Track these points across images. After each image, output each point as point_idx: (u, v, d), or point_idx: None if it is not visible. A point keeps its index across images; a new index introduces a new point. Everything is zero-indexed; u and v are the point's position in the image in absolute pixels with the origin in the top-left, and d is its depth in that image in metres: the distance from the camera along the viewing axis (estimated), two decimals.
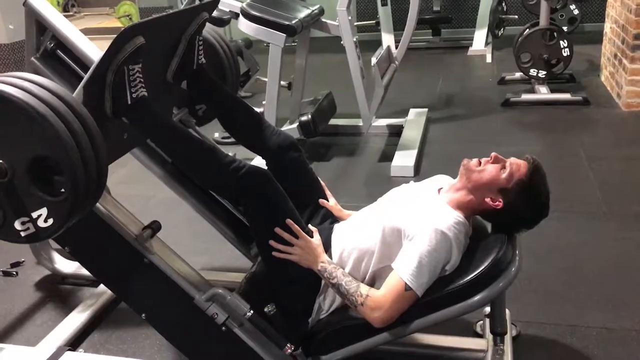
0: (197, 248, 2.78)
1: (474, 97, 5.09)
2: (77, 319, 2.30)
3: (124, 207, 1.83)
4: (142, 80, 1.71)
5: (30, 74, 1.45)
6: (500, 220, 1.78)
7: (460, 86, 5.47)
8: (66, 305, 2.47)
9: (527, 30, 4.99)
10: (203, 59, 2.04)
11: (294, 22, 3.53)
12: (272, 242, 1.73)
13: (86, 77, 1.64)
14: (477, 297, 1.66)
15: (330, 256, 1.80)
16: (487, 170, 1.74)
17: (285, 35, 3.49)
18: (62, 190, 1.40)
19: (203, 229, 2.36)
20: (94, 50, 2.09)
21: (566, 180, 3.38)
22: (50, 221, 1.43)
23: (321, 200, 2.03)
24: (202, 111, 2.31)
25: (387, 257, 1.73)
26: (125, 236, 1.73)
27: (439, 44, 6.98)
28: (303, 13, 3.77)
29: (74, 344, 2.21)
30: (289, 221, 1.73)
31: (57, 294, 2.59)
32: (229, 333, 1.76)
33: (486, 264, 1.67)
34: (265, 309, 1.77)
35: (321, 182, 2.10)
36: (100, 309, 2.36)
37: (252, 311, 1.73)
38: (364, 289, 1.67)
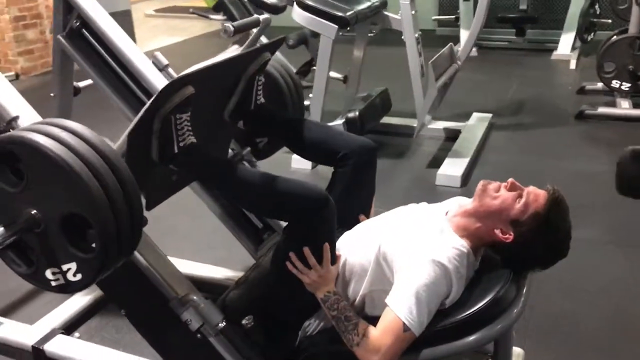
0: (214, 241, 2.71)
1: (546, 106, 4.74)
2: (78, 302, 2.28)
3: None
4: (189, 128, 1.63)
5: (71, 121, 1.39)
6: (510, 256, 1.57)
7: (534, 92, 5.11)
8: None
9: (615, 37, 4.56)
10: (262, 99, 1.93)
11: (348, 13, 3.37)
12: (292, 255, 1.58)
13: (131, 126, 1.56)
14: (471, 338, 1.48)
15: None
16: (501, 197, 1.54)
17: (336, 27, 3.34)
18: (94, 245, 1.34)
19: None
20: (117, 31, 2.05)
21: (630, 209, 3.04)
22: (79, 276, 1.38)
23: (361, 217, 1.87)
24: (262, 144, 2.21)
25: (378, 280, 1.57)
26: None
27: (522, 45, 6.58)
28: (362, 5, 3.61)
29: (71, 327, 2.20)
30: (326, 246, 1.58)
31: None
32: (203, 341, 1.66)
33: (484, 301, 1.49)
34: (244, 321, 1.67)
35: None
36: (103, 295, 2.33)
37: (224, 322, 1.63)
38: (361, 327, 1.50)
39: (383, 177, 3.54)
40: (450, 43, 3.81)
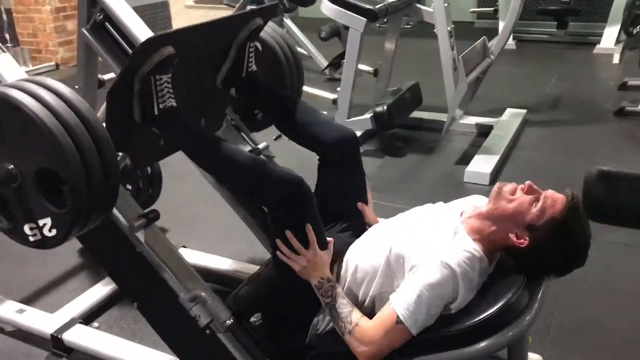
0: (235, 234, 2.70)
1: (585, 102, 4.59)
2: (99, 291, 2.32)
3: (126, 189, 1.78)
4: (170, 90, 1.64)
5: (54, 80, 1.42)
6: (524, 262, 1.51)
7: (573, 87, 4.95)
8: (99, 274, 2.50)
9: None
10: (254, 67, 1.93)
11: (377, 6, 3.32)
12: (278, 242, 1.58)
13: (111, 87, 1.58)
14: (481, 344, 1.43)
15: (339, 270, 1.64)
16: (517, 200, 1.48)
17: (365, 20, 3.29)
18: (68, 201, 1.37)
19: None
20: (139, 25, 2.06)
21: None
22: (54, 232, 1.42)
23: (360, 204, 1.86)
24: (260, 115, 2.22)
25: (388, 283, 1.54)
26: (117, 222, 1.68)
27: (563, 38, 6.38)
28: None
29: (91, 316, 2.24)
30: (308, 227, 1.56)
31: (94, 261, 2.62)
32: (212, 336, 1.66)
33: (495, 308, 1.43)
34: (252, 319, 1.67)
35: (367, 184, 1.93)
36: None
37: (232, 319, 1.62)
38: (355, 316, 1.49)
39: (410, 173, 3.50)
40: (484, 37, 3.71)
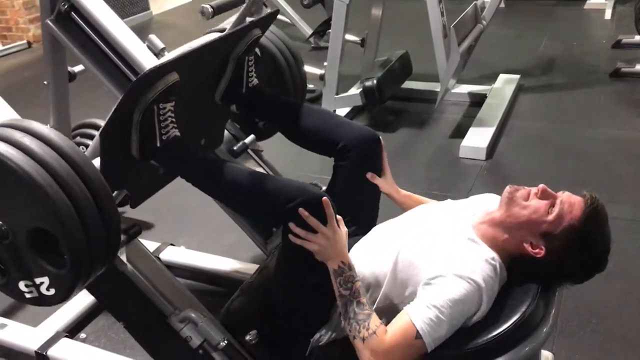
0: (227, 226, 2.57)
1: (579, 63, 4.45)
2: (85, 300, 2.19)
3: None
4: (174, 119, 1.49)
5: (36, 123, 1.26)
6: (540, 271, 1.40)
7: (566, 48, 4.80)
8: None
9: None
10: (255, 80, 1.79)
11: None
12: (291, 225, 1.39)
13: (108, 118, 1.41)
14: None
15: None
16: (531, 206, 1.36)
17: None
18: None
19: None
20: (106, 13, 1.89)
21: None
22: (52, 291, 1.30)
23: (369, 174, 1.70)
24: (262, 124, 2.11)
25: (397, 292, 1.42)
26: None
27: None
28: None
29: (77, 327, 2.13)
30: (325, 200, 1.39)
31: None
32: (206, 356, 1.56)
33: (510, 323, 1.33)
34: (248, 337, 1.57)
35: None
36: None
37: (226, 341, 1.51)
38: (374, 322, 1.34)
39: (403, 150, 3.37)
40: (475, 2, 3.54)
